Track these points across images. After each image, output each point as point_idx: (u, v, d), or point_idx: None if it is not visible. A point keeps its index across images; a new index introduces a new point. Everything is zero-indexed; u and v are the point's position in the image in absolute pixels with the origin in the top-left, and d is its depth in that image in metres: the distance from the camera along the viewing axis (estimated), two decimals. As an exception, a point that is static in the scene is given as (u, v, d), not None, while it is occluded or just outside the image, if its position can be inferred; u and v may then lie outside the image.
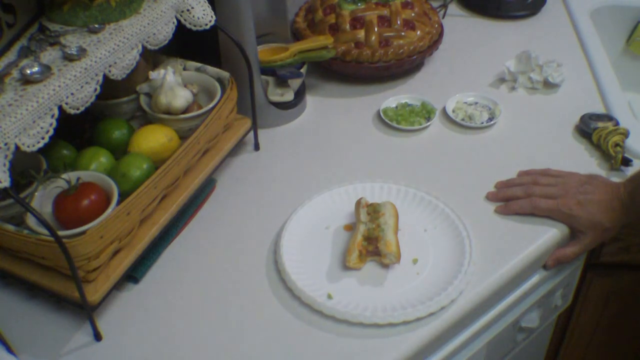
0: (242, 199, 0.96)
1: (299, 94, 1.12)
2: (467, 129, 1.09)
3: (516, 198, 0.92)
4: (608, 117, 1.05)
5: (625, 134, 1.00)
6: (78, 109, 0.74)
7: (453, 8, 1.43)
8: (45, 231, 0.69)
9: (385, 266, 0.85)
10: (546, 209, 0.90)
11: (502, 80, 1.19)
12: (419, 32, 1.18)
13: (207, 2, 0.91)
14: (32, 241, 0.73)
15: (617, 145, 0.98)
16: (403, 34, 1.16)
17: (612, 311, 1.20)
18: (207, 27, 0.91)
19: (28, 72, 0.71)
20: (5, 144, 0.65)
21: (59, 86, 0.71)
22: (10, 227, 0.74)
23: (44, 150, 0.80)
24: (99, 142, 0.90)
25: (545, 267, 0.91)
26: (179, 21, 0.89)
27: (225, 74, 0.98)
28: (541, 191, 0.91)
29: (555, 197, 0.90)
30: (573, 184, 0.91)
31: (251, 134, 1.04)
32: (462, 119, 1.09)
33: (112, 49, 0.78)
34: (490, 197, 0.94)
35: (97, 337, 0.77)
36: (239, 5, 0.96)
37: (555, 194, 0.90)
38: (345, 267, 0.84)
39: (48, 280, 0.77)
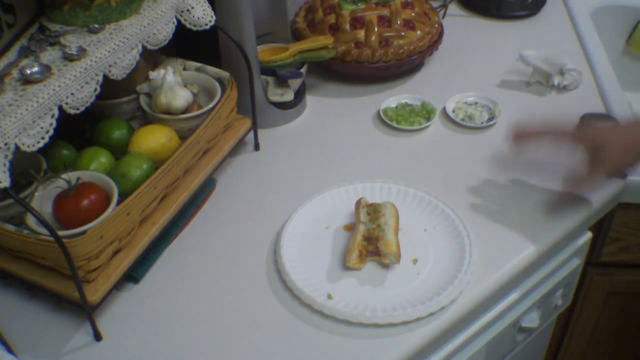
0: (242, 199, 0.96)
1: (299, 94, 1.12)
2: (467, 129, 1.09)
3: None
4: (608, 117, 1.05)
5: (625, 134, 1.00)
6: (78, 109, 0.74)
7: (453, 8, 1.43)
8: (45, 231, 0.69)
9: (385, 266, 0.85)
10: (561, 131, 0.87)
11: (513, 72, 1.20)
12: (419, 32, 1.18)
13: (207, 2, 0.91)
14: (32, 241, 0.73)
15: (617, 145, 0.98)
16: (403, 34, 1.16)
17: (612, 311, 1.20)
18: (207, 27, 0.91)
19: (28, 72, 0.71)
20: (5, 144, 0.65)
21: (59, 86, 0.71)
22: (10, 227, 0.74)
23: (44, 150, 0.80)
24: (99, 142, 0.90)
25: (558, 204, 0.87)
26: (179, 21, 0.89)
27: (225, 74, 0.98)
28: (557, 124, 0.90)
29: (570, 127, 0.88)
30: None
31: (251, 134, 1.04)
32: (462, 119, 1.09)
33: (112, 49, 0.78)
34: (511, 129, 0.90)
35: (97, 337, 0.77)
36: (239, 5, 0.96)
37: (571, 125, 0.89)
38: (345, 267, 0.84)
39: (48, 280, 0.77)
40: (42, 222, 0.66)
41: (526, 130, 0.89)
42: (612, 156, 0.84)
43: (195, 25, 0.90)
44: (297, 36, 1.20)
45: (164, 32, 0.86)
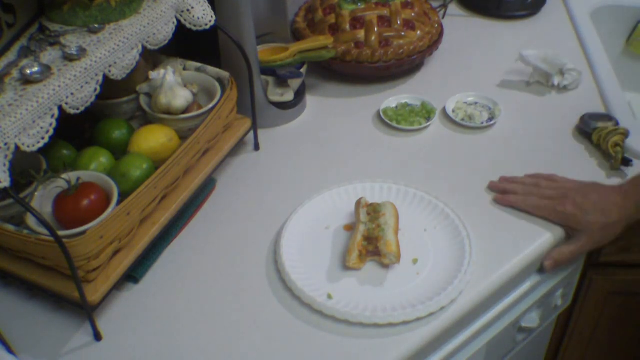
0: (242, 199, 0.96)
1: (299, 94, 1.12)
2: (467, 129, 1.09)
3: (514, 194, 0.93)
4: (608, 117, 1.05)
5: (625, 134, 1.00)
6: (78, 109, 0.74)
7: (453, 8, 1.43)
8: (45, 231, 0.69)
9: (385, 266, 0.85)
10: (541, 207, 0.90)
11: (513, 72, 1.20)
12: (419, 32, 1.18)
13: (207, 2, 0.91)
14: (32, 241, 0.73)
15: (617, 145, 0.98)
16: (403, 34, 1.16)
17: (612, 311, 1.20)
18: (207, 27, 0.91)
19: (28, 72, 0.71)
20: (5, 144, 0.65)
21: (59, 86, 0.71)
22: (10, 227, 0.74)
23: (44, 150, 0.80)
24: (99, 142, 0.90)
25: (542, 270, 0.91)
26: (179, 21, 0.89)
27: (225, 74, 0.98)
28: (539, 192, 0.91)
29: (552, 198, 0.90)
30: (573, 187, 0.91)
31: (251, 134, 1.04)
32: (462, 119, 1.09)
33: (112, 49, 0.78)
34: (490, 186, 0.96)
35: (97, 337, 0.77)
36: (239, 5, 0.96)
37: (552, 195, 0.90)
38: (345, 267, 0.84)
39: (48, 280, 0.77)
40: (42, 222, 0.66)
41: (504, 200, 0.93)
42: (589, 239, 0.88)
43: (195, 25, 0.90)
44: (297, 36, 1.20)
45: (164, 32, 0.86)
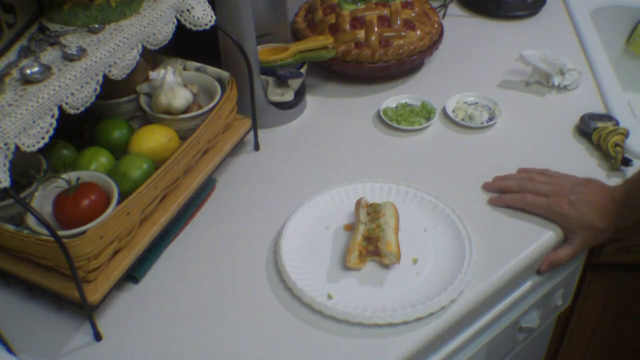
0: (242, 199, 0.96)
1: (299, 94, 1.12)
2: (467, 129, 1.09)
3: (510, 191, 0.93)
4: (608, 117, 1.05)
5: (625, 134, 1.00)
6: (78, 109, 0.74)
7: (453, 8, 1.43)
8: (45, 231, 0.69)
9: (385, 266, 0.85)
10: (537, 205, 0.90)
11: (513, 72, 1.20)
12: (419, 32, 1.18)
13: (207, 2, 0.91)
14: (32, 241, 0.73)
15: (617, 145, 0.98)
16: (403, 34, 1.16)
17: (612, 311, 1.20)
18: (207, 27, 0.91)
19: (28, 72, 0.71)
20: (5, 144, 0.65)
21: (59, 86, 0.71)
22: (10, 227, 0.74)
23: (44, 150, 0.80)
24: (99, 142, 0.90)
25: (538, 272, 0.91)
26: (179, 21, 0.89)
27: (225, 74, 0.98)
28: (534, 187, 0.92)
29: (548, 195, 0.90)
30: (567, 184, 0.91)
31: (251, 134, 1.04)
32: (462, 119, 1.09)
33: (112, 49, 0.78)
34: (485, 187, 0.96)
35: (97, 337, 0.77)
36: (239, 5, 0.96)
37: (548, 192, 0.90)
38: (345, 267, 0.84)
39: (48, 280, 0.77)
40: (42, 222, 0.66)
41: (499, 201, 0.93)
42: (582, 241, 0.89)
43: (195, 25, 0.90)
44: (297, 36, 1.20)
45: (164, 32, 0.86)
